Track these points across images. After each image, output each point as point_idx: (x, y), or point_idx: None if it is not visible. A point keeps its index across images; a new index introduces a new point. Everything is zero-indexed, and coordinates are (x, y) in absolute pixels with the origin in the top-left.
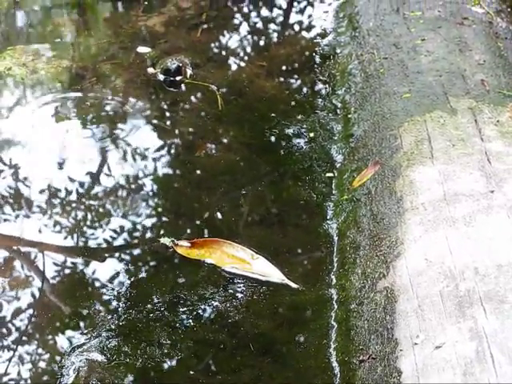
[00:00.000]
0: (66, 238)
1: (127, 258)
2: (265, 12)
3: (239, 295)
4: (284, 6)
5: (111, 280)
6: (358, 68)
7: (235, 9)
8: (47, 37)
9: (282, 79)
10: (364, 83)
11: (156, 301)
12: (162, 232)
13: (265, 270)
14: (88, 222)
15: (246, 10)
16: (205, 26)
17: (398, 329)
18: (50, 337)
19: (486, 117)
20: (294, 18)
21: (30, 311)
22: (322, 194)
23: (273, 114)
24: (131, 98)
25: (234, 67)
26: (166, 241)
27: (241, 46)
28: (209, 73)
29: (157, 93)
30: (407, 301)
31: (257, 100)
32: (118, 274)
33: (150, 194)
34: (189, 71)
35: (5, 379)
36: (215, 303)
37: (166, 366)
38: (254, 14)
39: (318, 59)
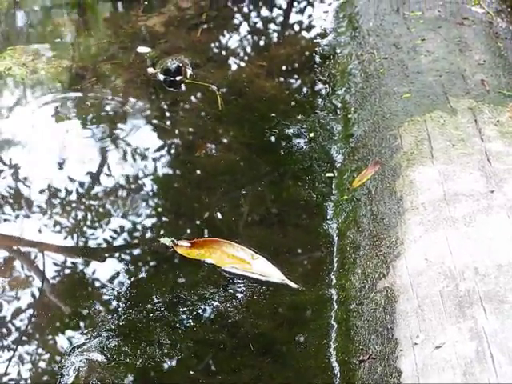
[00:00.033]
0: (66, 237)
1: (127, 257)
2: (265, 12)
3: (239, 295)
4: (284, 5)
5: (111, 280)
6: (358, 68)
7: (235, 9)
8: (47, 37)
9: (281, 79)
10: (364, 83)
11: (156, 301)
12: (161, 232)
13: (265, 269)
14: (88, 222)
15: (246, 9)
16: (205, 25)
17: (397, 329)
18: (50, 337)
19: (486, 117)
20: (294, 18)
21: (30, 311)
22: (321, 194)
23: (273, 114)
24: (131, 98)
25: (234, 67)
26: (165, 241)
27: (241, 46)
28: (209, 73)
29: (157, 93)
30: (407, 301)
31: (257, 100)
32: (118, 274)
33: (150, 193)
34: (189, 71)
35: (5, 379)
36: (215, 303)
37: (165, 365)
38: (253, 14)
39: (318, 59)
